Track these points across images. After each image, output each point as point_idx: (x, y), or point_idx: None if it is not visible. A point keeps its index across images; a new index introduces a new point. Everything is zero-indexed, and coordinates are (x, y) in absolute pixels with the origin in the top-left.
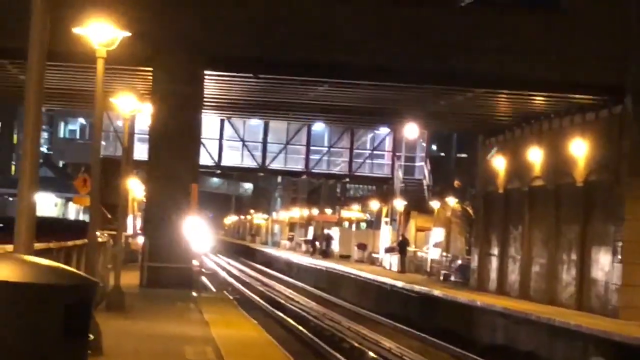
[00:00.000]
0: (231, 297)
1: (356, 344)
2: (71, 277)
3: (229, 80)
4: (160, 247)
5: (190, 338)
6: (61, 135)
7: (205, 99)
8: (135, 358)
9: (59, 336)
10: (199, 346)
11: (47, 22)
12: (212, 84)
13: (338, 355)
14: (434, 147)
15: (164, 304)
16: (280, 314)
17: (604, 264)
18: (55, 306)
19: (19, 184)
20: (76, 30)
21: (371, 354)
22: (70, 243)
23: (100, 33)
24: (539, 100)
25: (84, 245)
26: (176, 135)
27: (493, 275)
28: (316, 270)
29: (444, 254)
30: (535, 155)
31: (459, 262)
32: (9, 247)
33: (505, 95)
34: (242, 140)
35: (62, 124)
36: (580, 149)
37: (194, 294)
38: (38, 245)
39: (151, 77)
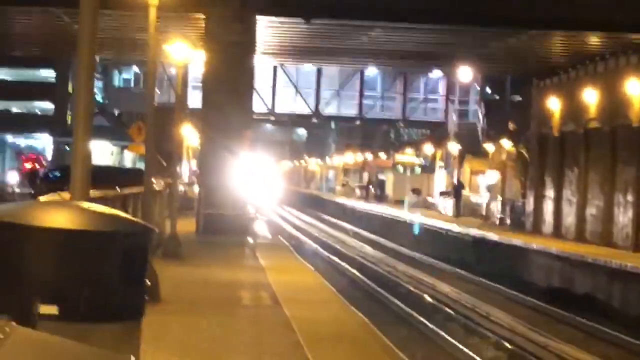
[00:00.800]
0: (287, 243)
1: (412, 288)
2: (128, 224)
3: (280, 26)
4: (215, 194)
5: (247, 284)
6: (115, 84)
7: (257, 46)
8: (193, 304)
9: (117, 283)
10: (256, 292)
11: None
12: (264, 30)
13: (395, 300)
14: (488, 91)
15: (220, 251)
16: (336, 259)
17: None
18: (112, 253)
19: (73, 133)
20: None
21: (427, 297)
22: (126, 191)
23: None
24: (594, 40)
25: (140, 193)
26: (229, 82)
27: (549, 218)
28: (373, 216)
29: (499, 197)
30: (591, 97)
31: (515, 205)
32: (67, 195)
33: (559, 37)
34: (295, 87)
35: (116, 73)
36: (636, 89)
37: (250, 240)
38: (94, 193)
39: (203, 24)
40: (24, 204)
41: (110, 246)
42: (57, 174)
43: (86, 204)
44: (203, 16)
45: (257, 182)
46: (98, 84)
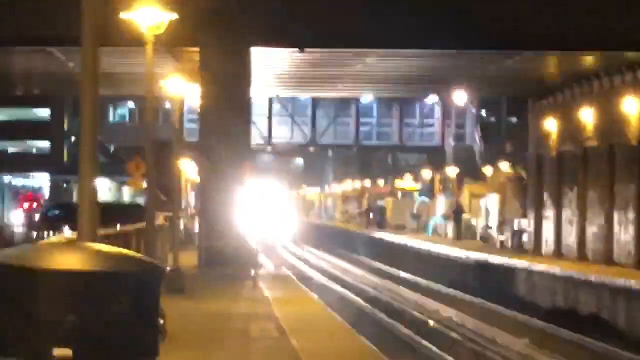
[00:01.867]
0: (290, 274)
1: (417, 314)
2: (138, 264)
3: (275, 57)
4: (216, 227)
5: (253, 316)
6: (111, 119)
7: (252, 77)
8: (200, 338)
9: (130, 323)
10: (262, 323)
11: (99, 7)
12: (259, 60)
13: (399, 326)
14: (484, 114)
15: (223, 284)
16: (338, 288)
17: None
18: (124, 293)
19: (80, 172)
20: (124, 14)
21: (432, 322)
22: (130, 227)
23: (148, 16)
24: (588, 59)
25: (142, 229)
26: (226, 114)
27: (550, 238)
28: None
29: (499, 219)
30: (587, 116)
31: (515, 226)
32: (69, 233)
33: (554, 57)
34: (291, 117)
35: (111, 109)
36: (632, 108)
37: (253, 272)
38: (98, 232)
39: (198, 58)
40: (33, 246)
41: (121, 286)
42: (56, 211)
43: (94, 245)
44: (197, 49)
45: (265, 214)
46: None
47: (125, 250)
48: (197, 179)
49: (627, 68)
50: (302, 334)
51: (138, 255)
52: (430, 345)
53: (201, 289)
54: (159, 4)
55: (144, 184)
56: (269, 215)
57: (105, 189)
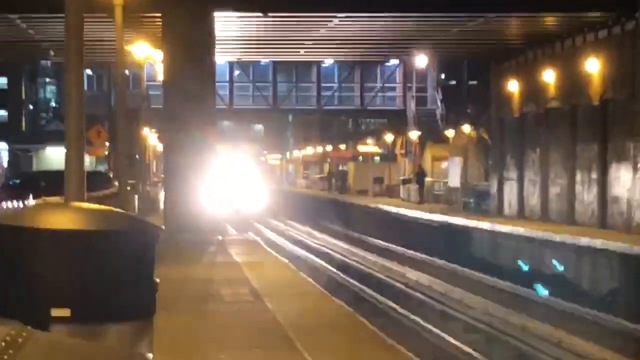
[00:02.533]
0: (257, 239)
1: (383, 277)
2: (137, 223)
3: (238, 21)
4: (181, 193)
5: (225, 280)
6: None
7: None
8: (175, 302)
9: (127, 282)
10: (235, 288)
11: None
12: (222, 26)
13: (367, 289)
14: (444, 77)
15: (193, 249)
16: (305, 252)
17: (625, 181)
18: (122, 253)
19: (66, 140)
20: None
21: (399, 285)
22: (100, 194)
23: None
24: (550, 20)
25: (109, 195)
26: (190, 79)
27: (513, 199)
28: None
29: (462, 181)
30: (549, 77)
31: (478, 188)
32: (33, 202)
33: (516, 18)
34: (252, 82)
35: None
36: (594, 68)
37: (219, 237)
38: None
39: (160, 23)
40: (28, 207)
41: (119, 246)
42: (17, 181)
43: (90, 205)
44: (160, 14)
45: (234, 184)
46: (52, 88)
47: (120, 210)
48: (160, 147)
49: (588, 29)
50: (276, 297)
51: (134, 215)
52: (398, 307)
53: (169, 255)
54: None
55: (105, 152)
56: (238, 186)
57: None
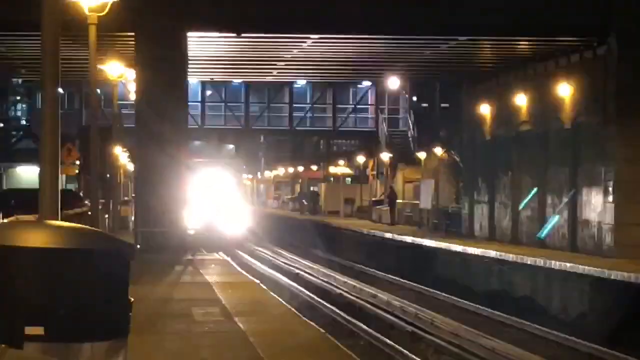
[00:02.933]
0: (227, 258)
1: (353, 297)
2: (109, 242)
3: (211, 41)
4: (152, 212)
5: (196, 300)
6: (39, 106)
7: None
8: (147, 321)
9: (101, 301)
10: (206, 307)
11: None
12: (194, 45)
13: (337, 310)
14: (416, 99)
15: (163, 268)
16: (276, 273)
17: (596, 205)
18: (95, 271)
19: (40, 158)
20: None
21: (370, 307)
22: (71, 212)
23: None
24: (522, 44)
25: (83, 213)
26: (163, 99)
27: (484, 222)
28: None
29: (433, 204)
30: (521, 100)
31: (449, 210)
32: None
33: (488, 42)
34: (224, 102)
35: (39, 95)
36: (566, 92)
37: (190, 257)
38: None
39: (134, 43)
40: (3, 224)
41: (94, 264)
42: None
43: (64, 223)
44: (133, 34)
45: (214, 205)
46: (22, 106)
47: (95, 229)
48: (131, 166)
49: (560, 53)
50: (247, 317)
51: (108, 234)
52: (368, 329)
53: (140, 274)
54: None
55: (76, 171)
56: (218, 207)
57: (35, 175)
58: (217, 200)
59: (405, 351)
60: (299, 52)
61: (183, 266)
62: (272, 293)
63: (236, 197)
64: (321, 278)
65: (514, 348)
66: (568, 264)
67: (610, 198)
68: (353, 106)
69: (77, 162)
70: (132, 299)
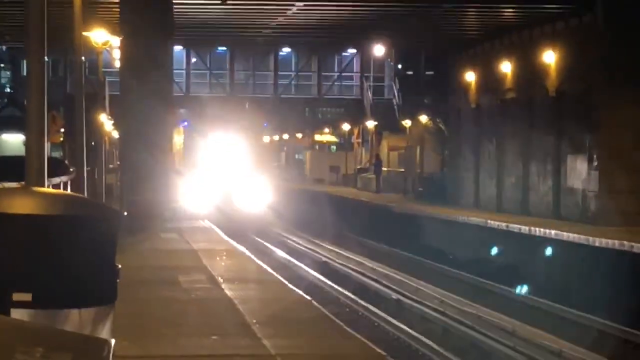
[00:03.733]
0: (213, 226)
1: (339, 265)
2: (98, 208)
3: (196, 8)
4: (138, 180)
5: (182, 267)
6: (24, 73)
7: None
8: (133, 288)
9: (89, 268)
10: (193, 275)
11: None
12: (180, 12)
13: (325, 280)
14: (401, 67)
15: (150, 236)
16: (262, 240)
17: (581, 172)
18: (83, 238)
19: (27, 127)
20: None
21: (356, 275)
22: (57, 180)
23: None
24: (508, 12)
25: (69, 181)
26: (147, 67)
27: (469, 189)
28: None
29: (418, 171)
30: (506, 68)
31: (434, 178)
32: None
33: (474, 9)
34: (209, 69)
35: (23, 62)
36: (551, 59)
37: (175, 224)
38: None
39: (118, 10)
40: None
41: (81, 231)
42: None
43: (51, 190)
44: (117, 1)
45: (227, 177)
46: (7, 74)
47: (81, 196)
48: (117, 133)
49: (546, 20)
50: (233, 284)
51: (96, 200)
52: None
53: (128, 241)
54: None
55: (60, 138)
56: (232, 179)
57: (20, 143)
58: (233, 173)
59: (389, 318)
60: (283, 19)
61: (170, 233)
62: (258, 262)
63: (253, 168)
64: (309, 245)
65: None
66: (553, 232)
67: (595, 165)
68: (338, 74)
69: (62, 130)
70: (119, 266)
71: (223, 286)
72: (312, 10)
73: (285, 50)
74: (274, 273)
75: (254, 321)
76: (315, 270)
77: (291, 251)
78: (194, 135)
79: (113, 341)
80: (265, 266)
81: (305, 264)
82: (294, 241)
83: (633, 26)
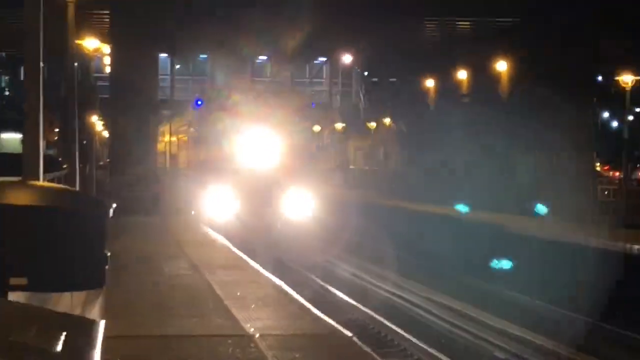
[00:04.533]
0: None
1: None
2: (89, 201)
3: (181, 19)
4: (126, 176)
5: (167, 256)
6: (22, 78)
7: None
8: (121, 274)
9: (80, 255)
10: (176, 263)
11: None
12: (165, 24)
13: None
14: (367, 74)
15: (136, 228)
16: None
17: (529, 169)
18: (75, 228)
19: (25, 126)
20: None
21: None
22: (51, 175)
23: None
24: (464, 25)
25: (62, 176)
26: (135, 72)
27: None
28: None
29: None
30: (463, 76)
31: (397, 175)
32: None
33: (433, 23)
34: (191, 75)
35: (21, 68)
36: (503, 67)
37: (161, 217)
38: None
39: (109, 20)
40: None
41: (73, 221)
42: None
43: (45, 184)
44: (108, 11)
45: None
46: (6, 79)
47: (74, 189)
48: (106, 133)
49: (500, 33)
50: (209, 269)
51: (86, 193)
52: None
53: (115, 233)
54: None
55: (55, 137)
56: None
57: (17, 143)
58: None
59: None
60: (259, 29)
61: (154, 225)
62: (237, 251)
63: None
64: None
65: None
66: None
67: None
68: (309, 80)
69: (57, 130)
70: (109, 253)
71: (204, 274)
72: (283, 22)
73: (262, 58)
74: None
75: None
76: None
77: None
78: (209, 125)
79: (103, 322)
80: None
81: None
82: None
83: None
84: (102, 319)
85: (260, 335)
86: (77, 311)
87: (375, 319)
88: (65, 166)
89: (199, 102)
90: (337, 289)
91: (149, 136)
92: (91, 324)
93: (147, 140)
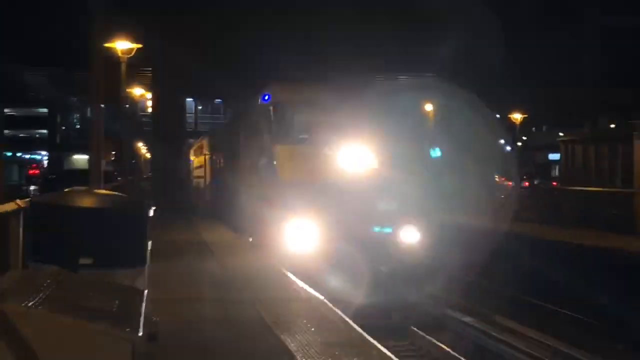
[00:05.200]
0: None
1: None
2: (135, 202)
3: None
4: (163, 186)
5: (190, 240)
6: (88, 115)
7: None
8: (158, 255)
9: (131, 241)
10: (196, 241)
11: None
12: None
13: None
14: None
15: (171, 223)
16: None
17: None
18: (127, 222)
19: (90, 150)
20: (106, 44)
21: None
22: (110, 185)
23: (123, 45)
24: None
25: (118, 186)
26: (169, 111)
27: None
28: None
29: None
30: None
31: None
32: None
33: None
34: (210, 114)
35: (88, 109)
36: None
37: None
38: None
39: (151, 74)
40: (65, 192)
41: (124, 217)
42: (53, 176)
43: (105, 191)
44: (150, 69)
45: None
46: (77, 115)
47: (124, 195)
48: (149, 154)
49: (425, 85)
50: (217, 245)
51: (133, 197)
52: None
53: (153, 225)
54: (128, 38)
55: (112, 158)
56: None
57: (85, 162)
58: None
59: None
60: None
61: (184, 221)
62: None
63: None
64: None
65: None
66: None
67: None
68: None
69: (113, 152)
70: (150, 241)
71: (212, 249)
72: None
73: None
74: None
75: None
76: None
77: None
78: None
79: (146, 291)
80: None
81: None
82: None
83: None
84: (146, 289)
85: None
86: (127, 282)
87: None
88: (119, 178)
89: (267, 98)
90: None
91: (180, 156)
92: (138, 292)
93: (178, 159)
